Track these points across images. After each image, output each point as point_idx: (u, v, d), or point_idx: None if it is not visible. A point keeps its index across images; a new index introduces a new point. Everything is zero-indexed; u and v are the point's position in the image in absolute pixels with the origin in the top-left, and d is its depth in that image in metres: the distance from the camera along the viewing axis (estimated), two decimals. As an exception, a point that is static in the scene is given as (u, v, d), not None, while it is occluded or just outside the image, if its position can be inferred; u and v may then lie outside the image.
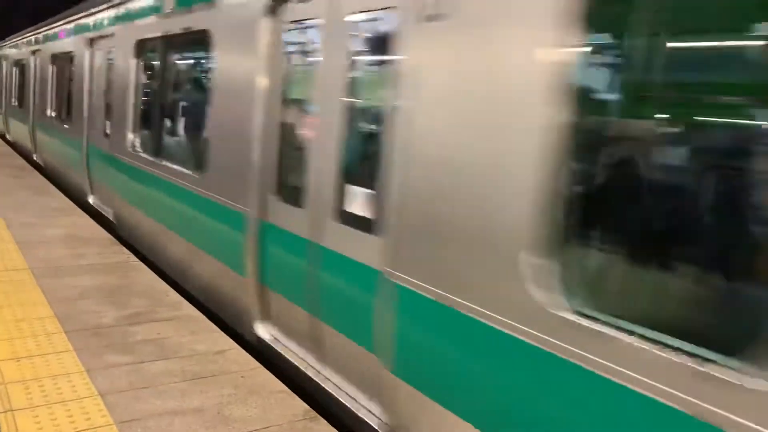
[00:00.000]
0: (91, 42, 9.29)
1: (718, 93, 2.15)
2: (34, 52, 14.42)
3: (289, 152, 4.34)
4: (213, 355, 4.33)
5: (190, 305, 5.30)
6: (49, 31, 13.08)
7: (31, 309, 4.92)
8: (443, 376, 2.82)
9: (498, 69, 2.51)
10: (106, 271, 6.05)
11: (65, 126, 10.82)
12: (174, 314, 5.05)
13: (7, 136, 19.15)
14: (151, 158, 6.74)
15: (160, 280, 5.91)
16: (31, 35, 15.31)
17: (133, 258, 6.59)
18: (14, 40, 18.80)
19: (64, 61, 11.33)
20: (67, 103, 10.90)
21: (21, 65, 16.49)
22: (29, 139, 14.58)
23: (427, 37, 2.89)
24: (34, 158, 13.96)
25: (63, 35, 11.48)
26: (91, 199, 9.14)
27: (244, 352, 4.46)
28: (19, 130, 16.57)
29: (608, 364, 2.07)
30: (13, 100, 17.94)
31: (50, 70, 12.43)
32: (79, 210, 8.84)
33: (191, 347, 4.44)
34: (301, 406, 3.73)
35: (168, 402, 3.64)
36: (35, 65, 14.20)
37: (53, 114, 12.14)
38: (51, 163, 12.38)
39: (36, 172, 12.41)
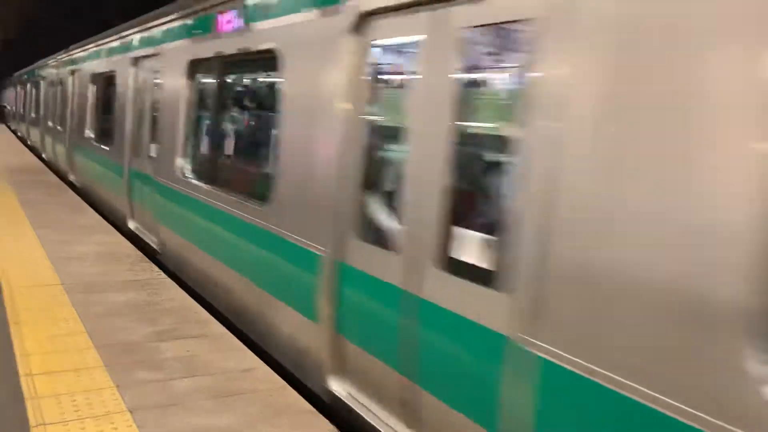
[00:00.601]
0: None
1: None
2: (136, 60, 9.02)
3: None
4: (241, 373, 4.34)
5: (218, 323, 5.33)
6: (177, 22, 7.40)
7: (64, 324, 5.00)
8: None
9: None
10: (136, 287, 6.12)
11: (254, 207, 5.17)
12: (202, 331, 5.08)
13: (71, 177, 13.89)
14: None
15: (188, 297, 5.97)
16: (131, 34, 9.50)
17: (162, 275, 6.67)
18: (91, 46, 12.71)
19: (226, 71, 6.34)
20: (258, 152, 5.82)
21: (105, 82, 11.07)
22: (121, 199, 9.22)
23: None
24: (131, 227, 8.82)
25: (228, 23, 5.91)
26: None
27: (271, 370, 4.47)
28: (94, 178, 11.35)
29: None
30: (86, 131, 12.36)
31: (189, 88, 6.86)
32: (111, 228, 8.98)
33: (219, 365, 4.46)
34: (327, 426, 3.71)
35: (196, 419, 3.65)
36: (138, 81, 8.93)
37: (201, 171, 6.69)
38: (199, 265, 6.38)
39: (70, 191, 12.61)
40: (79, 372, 4.15)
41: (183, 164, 6.89)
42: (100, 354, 4.46)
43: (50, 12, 32.31)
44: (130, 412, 3.67)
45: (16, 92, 31.34)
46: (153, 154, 7.89)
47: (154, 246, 7.82)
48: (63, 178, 14.56)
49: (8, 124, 37.29)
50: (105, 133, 10.83)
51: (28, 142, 24.34)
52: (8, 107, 36.50)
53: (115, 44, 10.58)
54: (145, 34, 8.68)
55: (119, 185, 9.31)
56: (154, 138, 7.95)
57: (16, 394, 3.81)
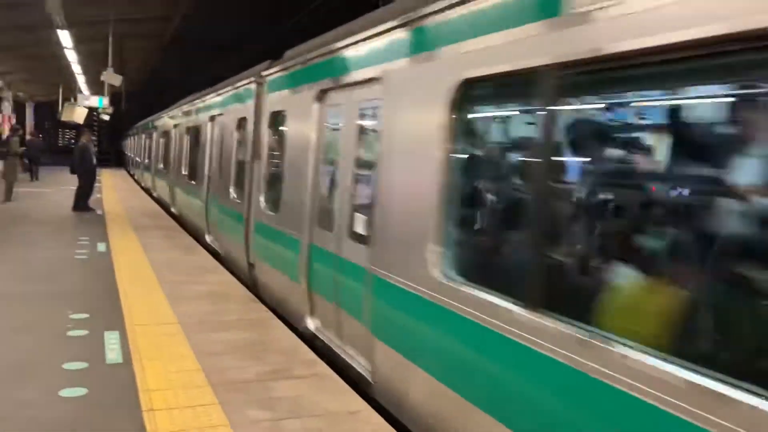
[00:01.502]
0: None
1: None
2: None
3: None
4: (347, 415, 4.39)
5: (324, 364, 5.43)
6: None
7: (181, 362, 5.26)
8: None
9: None
10: (246, 327, 6.37)
11: None
12: (309, 372, 5.19)
13: (311, 324, 6.41)
14: None
15: (296, 337, 6.13)
16: None
17: (270, 314, 6.90)
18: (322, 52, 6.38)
19: None
20: None
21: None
22: None
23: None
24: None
25: None
26: None
27: (376, 414, 4.48)
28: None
29: None
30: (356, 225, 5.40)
31: None
32: (222, 268, 9.43)
33: (326, 406, 4.52)
34: (435, 473, 3.66)
35: (306, 460, 3.70)
36: None
37: None
38: None
39: (184, 233, 13.36)
40: (196, 409, 4.34)
41: None
42: (214, 391, 4.66)
43: (168, 66, 34.90)
44: (243, 450, 3.78)
45: (152, 142, 24.01)
46: None
47: None
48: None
49: (128, 169, 40.08)
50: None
51: (172, 209, 16.82)
52: (130, 155, 38.85)
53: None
54: None
55: None
56: None
57: (138, 428, 4.04)
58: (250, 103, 9.04)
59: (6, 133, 24.84)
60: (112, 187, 25.26)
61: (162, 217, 16.14)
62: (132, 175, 34.64)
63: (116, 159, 49.74)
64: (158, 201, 19.53)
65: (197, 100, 14.17)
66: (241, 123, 9.58)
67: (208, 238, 11.75)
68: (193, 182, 13.71)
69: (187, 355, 5.44)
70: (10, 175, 17.87)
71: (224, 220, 10.45)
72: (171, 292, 7.66)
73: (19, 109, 36.93)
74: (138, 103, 44.44)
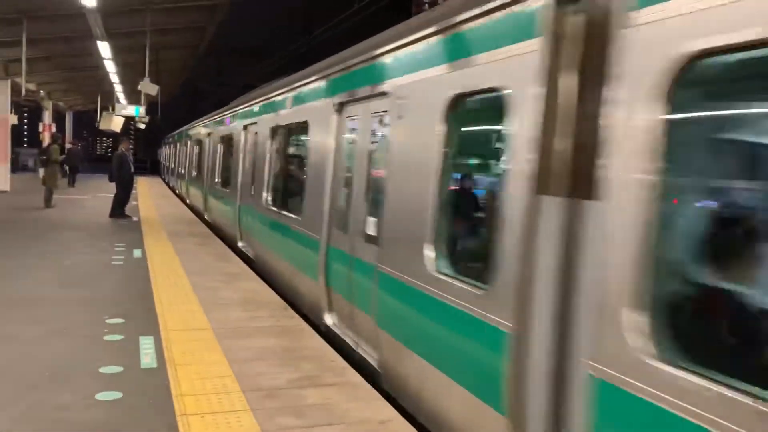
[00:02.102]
0: None
1: None
2: None
3: None
4: (378, 424, 4.37)
5: (355, 372, 5.43)
6: None
7: (213, 367, 5.32)
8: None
9: None
10: (278, 333, 6.41)
11: None
12: (340, 380, 5.20)
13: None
14: None
15: (327, 345, 6.15)
16: None
17: (302, 322, 6.93)
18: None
19: None
20: None
21: None
22: None
23: None
24: None
25: None
26: None
27: (407, 423, 4.46)
28: None
29: None
30: None
31: None
32: (254, 275, 9.51)
33: (356, 414, 4.52)
34: (466, 484, 3.62)
35: (336, 469, 3.70)
36: None
37: None
38: None
39: (218, 240, 13.48)
40: (228, 415, 4.38)
41: None
42: (246, 397, 4.69)
43: (202, 75, 35.51)
44: (275, 457, 3.80)
45: (203, 151, 19.16)
46: None
47: None
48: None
49: (163, 178, 40.72)
50: None
51: (240, 245, 12.31)
52: (169, 165, 38.95)
53: None
54: None
55: None
56: None
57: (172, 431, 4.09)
58: (529, 51, 3.51)
59: (47, 141, 25.49)
60: (148, 195, 25.71)
61: (196, 224, 16.33)
62: (173, 189, 31.43)
63: (152, 167, 50.75)
64: (211, 226, 15.87)
65: (299, 82, 8.59)
66: (457, 105, 4.41)
67: (329, 320, 6.86)
68: (290, 215, 8.48)
69: (219, 361, 5.50)
70: (51, 182, 18.31)
71: (395, 309, 5.17)
72: (205, 298, 7.75)
73: (58, 117, 37.94)
74: (172, 112, 45.26)
